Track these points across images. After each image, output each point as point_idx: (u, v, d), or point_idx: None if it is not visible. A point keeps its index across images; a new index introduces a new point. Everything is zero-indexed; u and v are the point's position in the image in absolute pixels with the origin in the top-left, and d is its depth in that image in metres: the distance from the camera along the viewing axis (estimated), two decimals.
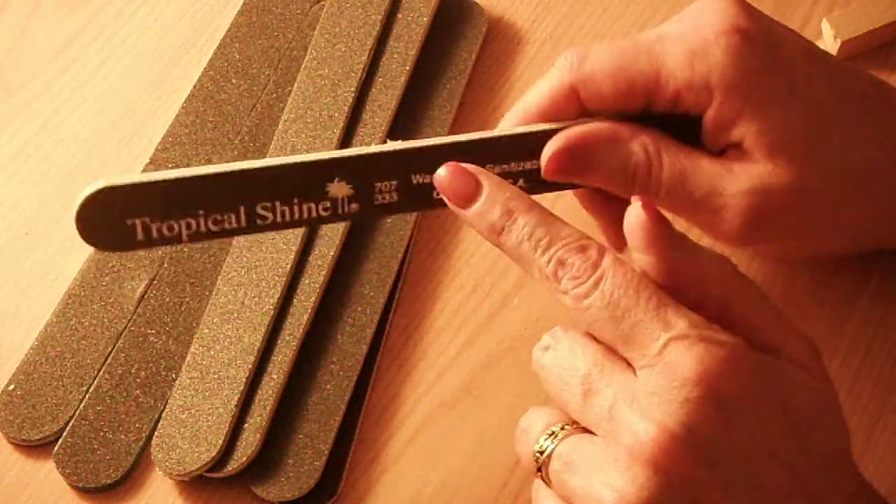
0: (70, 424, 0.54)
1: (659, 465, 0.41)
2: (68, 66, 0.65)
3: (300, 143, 0.60)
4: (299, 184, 0.48)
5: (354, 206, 0.49)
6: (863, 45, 0.62)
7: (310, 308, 0.56)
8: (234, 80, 0.63)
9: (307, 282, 0.57)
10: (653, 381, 0.42)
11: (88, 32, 0.66)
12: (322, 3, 0.65)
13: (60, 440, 0.54)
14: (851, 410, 0.54)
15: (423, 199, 0.50)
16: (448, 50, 0.64)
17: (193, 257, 0.58)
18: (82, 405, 0.55)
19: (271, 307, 0.56)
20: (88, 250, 0.58)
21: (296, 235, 0.57)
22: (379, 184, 0.49)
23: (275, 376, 0.55)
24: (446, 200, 0.48)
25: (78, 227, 0.47)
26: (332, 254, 0.57)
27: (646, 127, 0.50)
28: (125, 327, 0.57)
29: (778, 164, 0.49)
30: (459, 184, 0.47)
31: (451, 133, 0.62)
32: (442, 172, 0.47)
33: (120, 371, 0.55)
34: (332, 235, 0.58)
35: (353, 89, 0.61)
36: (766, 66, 0.49)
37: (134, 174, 0.49)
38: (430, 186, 0.49)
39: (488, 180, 0.47)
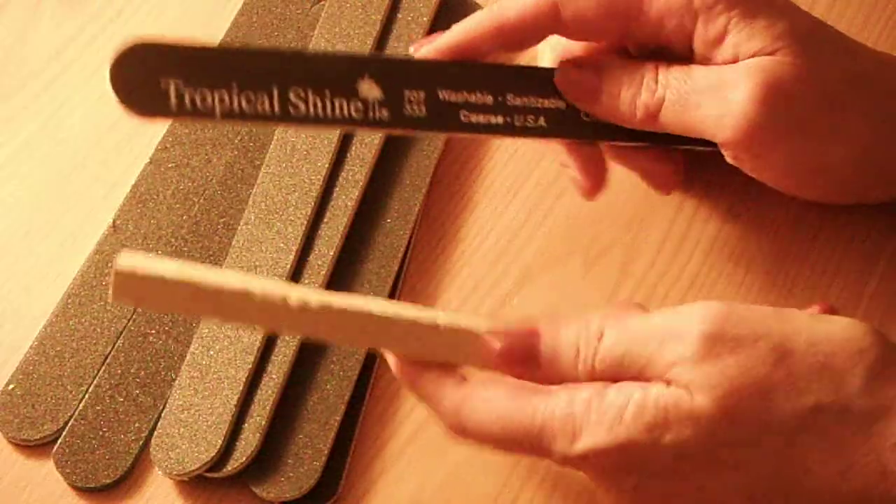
0: (69, 424, 0.54)
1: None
2: (68, 66, 0.65)
3: (300, 143, 0.60)
4: (330, 75, 0.49)
5: (385, 112, 0.50)
6: None
7: None
8: None
9: (307, 282, 0.57)
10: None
11: (88, 33, 0.66)
12: (322, 3, 0.65)
13: (60, 440, 0.54)
14: None
15: (451, 119, 0.51)
16: None
17: (193, 256, 0.58)
18: (82, 405, 0.55)
19: None
20: (88, 250, 0.58)
21: (295, 234, 0.57)
22: (408, 92, 0.50)
23: (275, 376, 0.55)
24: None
25: (111, 84, 0.47)
26: (331, 254, 0.57)
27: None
28: (125, 327, 0.56)
29: (775, 56, 0.51)
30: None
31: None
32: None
33: (119, 371, 0.55)
34: (332, 235, 0.58)
35: None
36: None
37: (169, 38, 0.49)
38: (457, 106, 0.51)
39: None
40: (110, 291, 0.46)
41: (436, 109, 0.51)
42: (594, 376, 0.46)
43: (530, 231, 0.59)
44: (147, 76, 0.47)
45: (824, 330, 0.45)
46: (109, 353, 0.56)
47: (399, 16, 0.64)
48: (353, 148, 0.60)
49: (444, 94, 0.51)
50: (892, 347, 0.44)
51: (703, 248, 0.58)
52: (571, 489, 0.53)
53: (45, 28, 0.66)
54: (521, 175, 0.61)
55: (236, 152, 0.61)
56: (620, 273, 0.57)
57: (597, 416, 0.44)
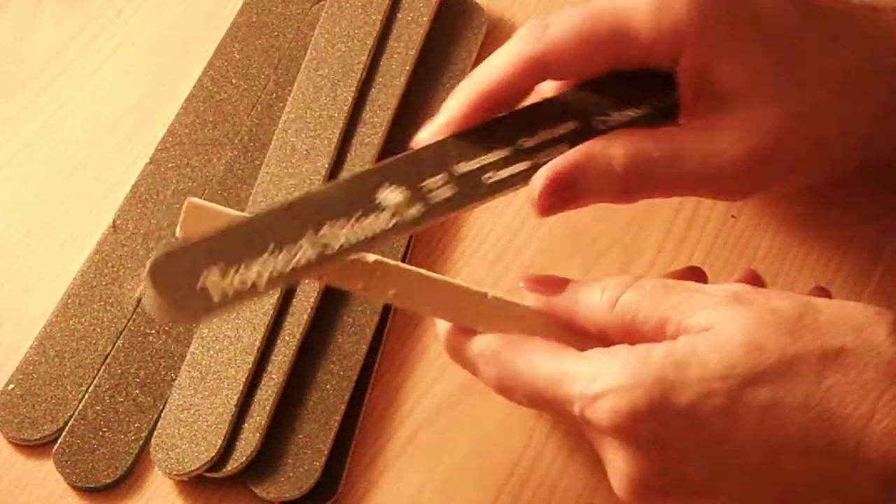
0: (69, 424, 0.54)
1: None
2: (68, 66, 0.65)
3: (300, 143, 0.60)
4: (347, 200, 0.48)
5: (417, 207, 0.49)
6: None
7: (310, 308, 0.56)
8: (234, 80, 0.63)
9: (307, 281, 0.57)
10: None
11: (88, 32, 0.66)
12: (322, 3, 0.65)
13: (60, 440, 0.54)
14: None
15: (480, 186, 0.50)
16: (448, 50, 0.64)
17: None
18: (82, 405, 0.55)
19: (271, 307, 0.56)
20: (88, 250, 0.58)
21: None
22: (427, 181, 0.49)
23: (275, 376, 0.55)
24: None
25: (161, 300, 0.44)
26: None
27: (614, 135, 0.51)
28: (125, 327, 0.57)
29: (758, 102, 0.50)
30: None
31: None
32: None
33: (119, 371, 0.55)
34: None
35: (353, 89, 0.61)
36: (730, 8, 0.51)
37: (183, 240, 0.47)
38: (479, 171, 0.50)
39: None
40: (179, 222, 0.46)
41: (461, 184, 0.50)
42: (616, 312, 0.47)
43: (530, 231, 0.59)
44: (185, 280, 0.45)
45: (842, 301, 0.47)
46: (109, 353, 0.56)
47: (399, 16, 0.64)
48: (353, 148, 0.60)
49: (461, 167, 0.50)
50: None
51: (703, 248, 0.58)
52: (572, 490, 0.53)
53: (45, 28, 0.66)
54: None
55: (236, 152, 0.61)
56: (620, 273, 0.57)
57: (622, 357, 0.45)
